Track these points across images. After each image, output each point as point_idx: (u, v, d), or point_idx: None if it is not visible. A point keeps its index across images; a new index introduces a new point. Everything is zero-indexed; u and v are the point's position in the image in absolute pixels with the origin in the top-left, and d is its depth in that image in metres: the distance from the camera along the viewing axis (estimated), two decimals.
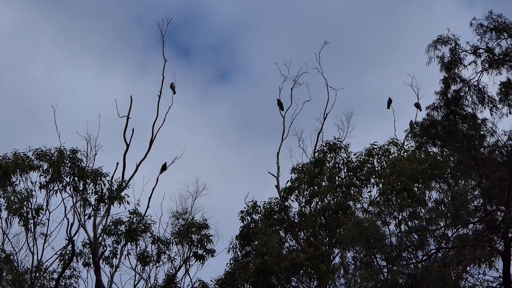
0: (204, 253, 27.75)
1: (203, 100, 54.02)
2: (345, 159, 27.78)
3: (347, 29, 54.01)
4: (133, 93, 29.72)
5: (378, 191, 26.42)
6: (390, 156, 27.15)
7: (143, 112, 30.85)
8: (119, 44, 54.20)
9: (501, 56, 21.00)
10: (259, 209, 27.67)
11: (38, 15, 54.38)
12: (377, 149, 27.35)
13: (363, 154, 27.39)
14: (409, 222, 22.61)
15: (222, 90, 57.70)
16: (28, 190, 26.46)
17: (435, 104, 21.56)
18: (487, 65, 21.10)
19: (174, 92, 30.46)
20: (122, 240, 27.13)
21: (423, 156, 22.41)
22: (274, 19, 56.11)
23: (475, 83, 21.36)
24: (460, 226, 20.42)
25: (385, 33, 53.63)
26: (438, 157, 22.02)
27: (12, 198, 26.03)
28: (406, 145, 26.69)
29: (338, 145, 27.98)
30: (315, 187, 27.44)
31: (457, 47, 21.26)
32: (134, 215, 27.28)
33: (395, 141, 27.53)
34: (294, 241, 27.36)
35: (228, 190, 37.35)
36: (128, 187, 27.41)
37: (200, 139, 44.44)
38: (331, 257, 26.33)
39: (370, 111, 42.37)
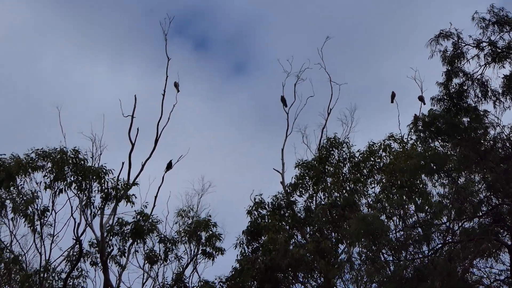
0: (214, 251, 27.82)
1: (215, 95, 54.18)
2: (348, 154, 27.87)
3: (352, 23, 54.00)
4: (146, 90, 29.83)
5: (380, 187, 26.52)
6: (393, 150, 27.25)
7: (152, 110, 30.96)
8: (133, 40, 54.13)
9: (504, 49, 20.98)
10: (265, 204, 27.76)
11: (51, 11, 54.44)
12: (378, 145, 27.45)
13: (366, 152, 27.49)
14: (411, 219, 22.69)
15: (235, 84, 57.91)
16: (33, 191, 26.52)
17: (439, 96, 21.56)
18: (489, 59, 21.08)
19: (178, 91, 30.62)
20: (129, 239, 27.19)
21: (423, 150, 22.47)
22: (285, 12, 56.10)
23: (478, 77, 21.34)
24: (465, 220, 20.47)
25: (391, 26, 53.60)
26: (439, 151, 22.01)
27: (18, 199, 26.09)
28: (410, 140, 26.77)
29: (339, 140, 28.08)
30: (321, 183, 27.53)
31: (459, 41, 21.24)
32: (141, 216, 27.33)
33: (395, 136, 27.64)
34: (301, 236, 27.45)
35: (234, 187, 37.41)
36: (137, 185, 27.53)
37: (207, 136, 44.49)
38: (338, 252, 26.42)
39: (374, 105, 42.34)
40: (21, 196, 26.23)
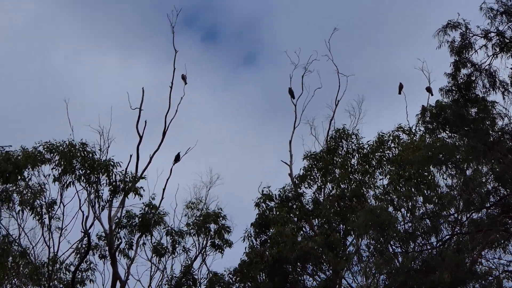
0: (223, 243, 27.82)
1: (223, 87, 54.04)
2: (356, 145, 27.86)
3: (360, 14, 53.77)
4: (154, 82, 29.70)
5: (388, 178, 26.48)
6: (401, 141, 27.21)
7: (160, 103, 30.92)
8: (141, 32, 54.01)
9: None
10: (273, 196, 27.77)
11: (58, 4, 54.45)
12: (387, 136, 27.41)
13: (374, 142, 27.47)
14: (418, 210, 22.65)
15: (243, 76, 57.82)
16: (41, 183, 26.56)
17: (447, 87, 21.46)
18: (498, 49, 20.93)
19: (185, 83, 30.61)
20: (136, 232, 27.22)
21: (431, 141, 22.42)
22: (293, 3, 55.93)
23: (487, 67, 21.20)
24: (473, 211, 20.42)
25: (399, 18, 53.40)
26: (447, 142, 21.94)
27: (25, 192, 26.10)
28: (418, 131, 26.70)
29: (348, 132, 28.06)
30: (329, 175, 27.52)
31: (467, 31, 21.10)
32: (149, 208, 27.35)
33: (403, 127, 27.60)
34: (309, 228, 27.46)
35: (242, 179, 37.40)
36: (144, 178, 27.53)
37: (215, 128, 44.48)
38: (346, 244, 26.42)
39: (381, 97, 42.24)
40: (28, 188, 26.24)
